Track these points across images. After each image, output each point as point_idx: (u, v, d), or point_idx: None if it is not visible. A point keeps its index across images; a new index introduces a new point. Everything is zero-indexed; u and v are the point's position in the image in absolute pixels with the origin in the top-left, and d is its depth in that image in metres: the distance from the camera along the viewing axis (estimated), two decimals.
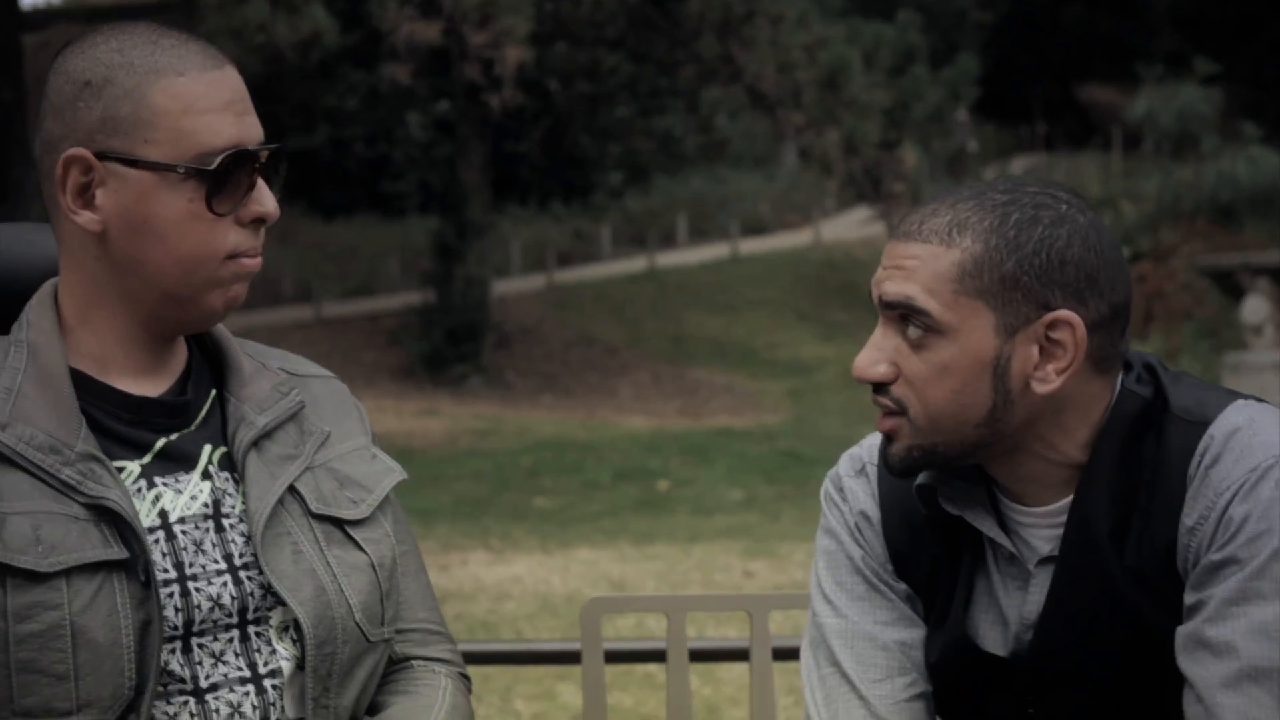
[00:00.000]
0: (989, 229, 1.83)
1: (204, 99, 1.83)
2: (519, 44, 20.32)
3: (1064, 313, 1.82)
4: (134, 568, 1.80)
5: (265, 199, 1.88)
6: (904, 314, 1.86)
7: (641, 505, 14.59)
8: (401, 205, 33.13)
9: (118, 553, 1.80)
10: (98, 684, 1.78)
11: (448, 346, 24.82)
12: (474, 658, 3.68)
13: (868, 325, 2.04)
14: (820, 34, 22.87)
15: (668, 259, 32.21)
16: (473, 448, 18.89)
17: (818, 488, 2.14)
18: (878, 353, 1.88)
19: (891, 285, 1.86)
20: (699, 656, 3.53)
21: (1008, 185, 1.88)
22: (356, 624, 1.92)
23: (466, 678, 2.13)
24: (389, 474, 2.06)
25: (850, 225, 34.09)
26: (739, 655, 3.38)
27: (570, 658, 3.46)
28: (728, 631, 6.90)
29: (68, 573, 1.77)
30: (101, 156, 1.83)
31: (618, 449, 18.42)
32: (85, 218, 1.85)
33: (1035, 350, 1.84)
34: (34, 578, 1.76)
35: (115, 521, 1.81)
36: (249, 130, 1.86)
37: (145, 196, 1.83)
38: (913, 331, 1.86)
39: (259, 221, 1.89)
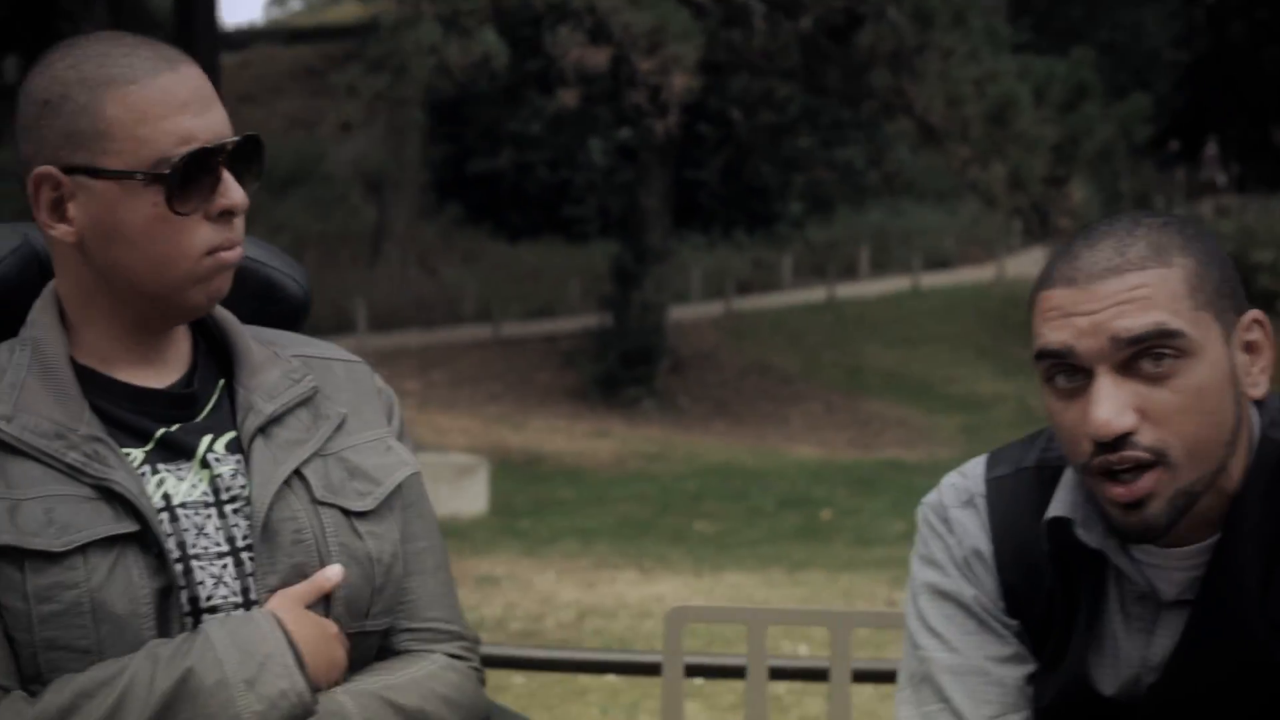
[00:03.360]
0: (1185, 244, 1.80)
1: (157, 104, 1.87)
2: (687, 72, 20.40)
3: (1256, 312, 1.82)
4: (146, 540, 1.87)
5: (231, 191, 1.91)
6: (1143, 349, 1.76)
7: (802, 533, 14.57)
8: (583, 229, 33.38)
9: (129, 526, 1.86)
10: (121, 655, 1.84)
11: (622, 369, 24.97)
12: (558, 665, 3.77)
13: None
14: (991, 68, 22.66)
15: (847, 290, 32.09)
16: (640, 470, 18.98)
17: None
18: (1118, 400, 1.76)
19: (1131, 320, 1.76)
20: (780, 675, 3.55)
21: (1144, 214, 1.85)
22: (335, 613, 1.95)
23: (478, 670, 2.12)
24: (401, 467, 2.07)
25: (1034, 262, 33.62)
26: (820, 675, 3.38)
27: (651, 669, 3.52)
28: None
29: (84, 549, 1.83)
30: (68, 171, 1.88)
31: (784, 477, 18.39)
32: (61, 230, 1.91)
33: (1244, 355, 1.82)
34: (51, 558, 1.82)
35: (122, 501, 1.87)
36: (210, 126, 1.90)
37: (112, 205, 1.88)
38: (1153, 365, 1.77)
39: (228, 214, 1.93)
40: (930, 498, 2.02)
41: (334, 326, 22.92)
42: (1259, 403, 1.86)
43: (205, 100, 1.91)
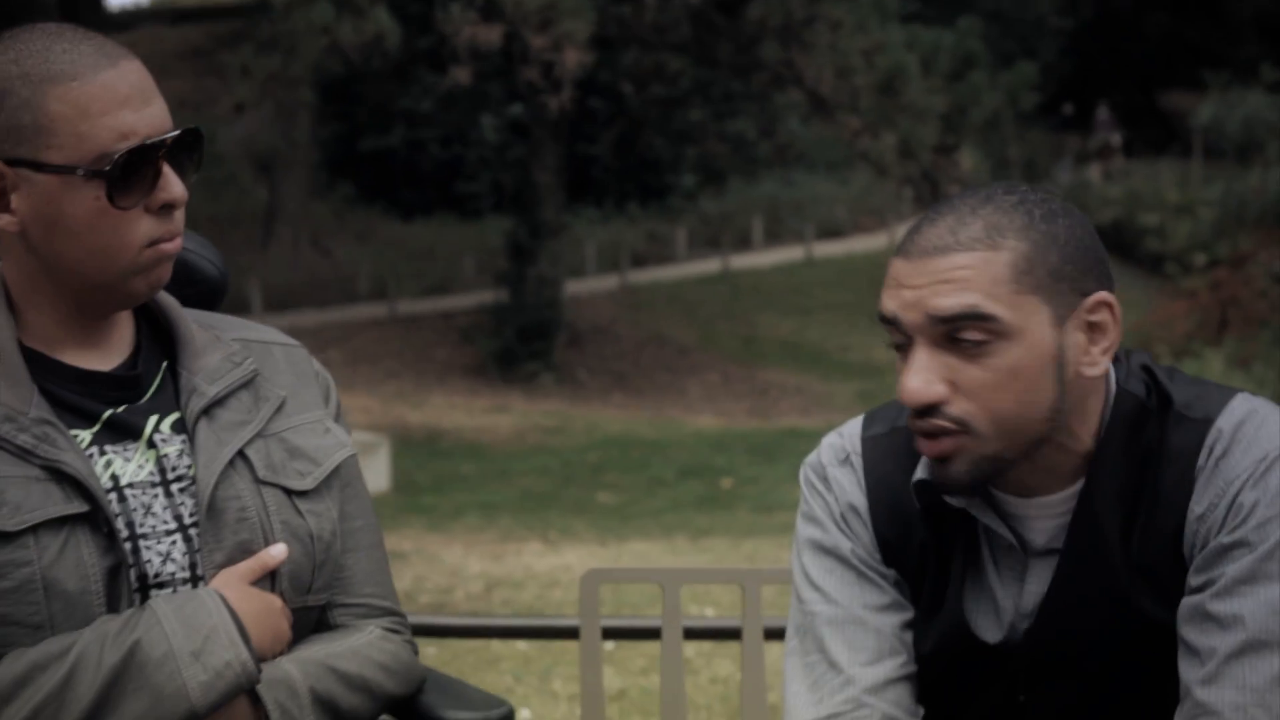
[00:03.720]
0: (1024, 226, 1.87)
1: (98, 100, 1.92)
2: (579, 47, 20.45)
3: (1103, 294, 1.90)
4: (96, 520, 1.94)
5: (171, 185, 1.98)
6: (957, 327, 1.87)
7: (703, 502, 14.67)
8: (477, 206, 33.32)
9: (80, 506, 1.93)
10: (71, 630, 1.92)
11: (519, 345, 24.99)
12: (478, 632, 3.85)
13: None
14: (879, 39, 22.85)
15: (742, 261, 32.24)
16: (541, 444, 19.04)
17: None
18: (929, 372, 1.88)
19: (946, 299, 1.86)
20: (694, 635, 3.66)
21: (1006, 189, 1.93)
22: (280, 588, 2.05)
23: (410, 642, 2.23)
24: (339, 449, 2.17)
25: None
26: (733, 634, 3.46)
27: (570, 633, 3.61)
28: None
29: (35, 529, 1.90)
30: (11, 163, 1.94)
31: (684, 447, 18.50)
32: (4, 220, 1.97)
33: (1082, 336, 1.90)
34: (3, 538, 1.89)
35: (72, 482, 1.94)
36: (150, 121, 1.96)
37: (54, 198, 1.94)
38: (968, 344, 1.87)
39: (169, 207, 1.99)
40: (810, 458, 2.14)
41: (228, 308, 22.51)
42: (1115, 356, 1.98)
43: (145, 95, 1.96)
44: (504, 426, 20.27)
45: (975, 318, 1.86)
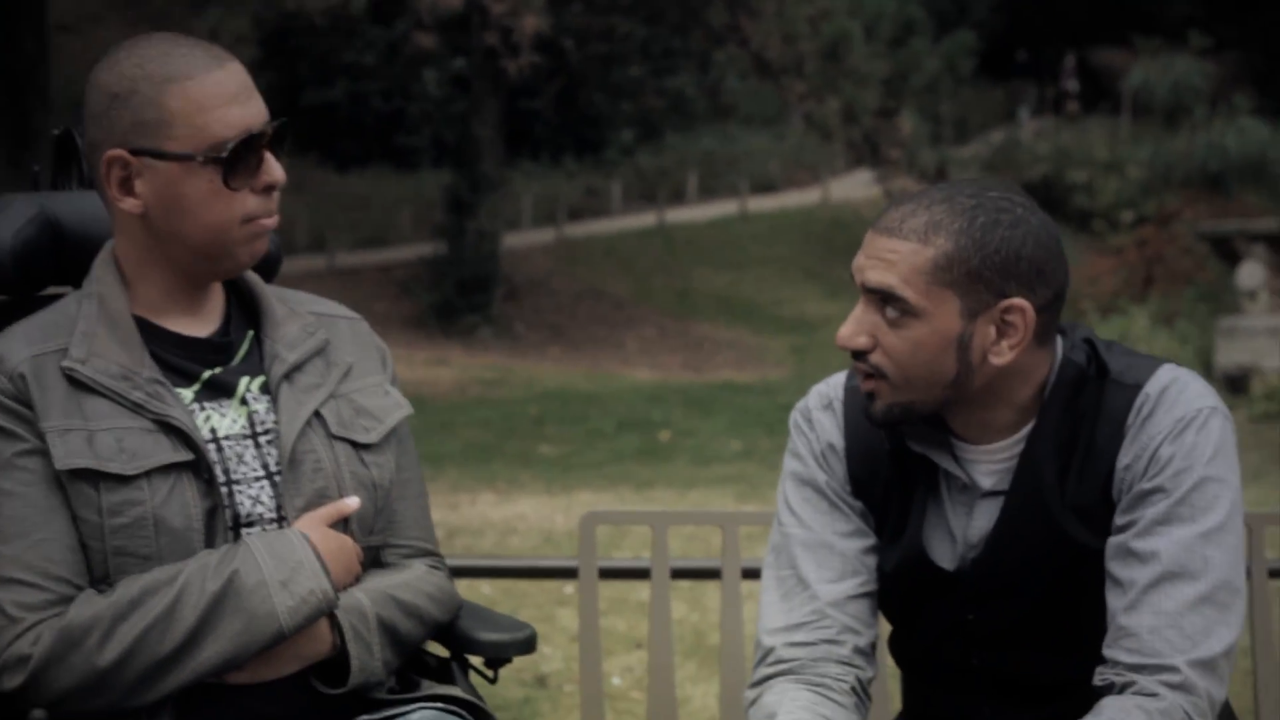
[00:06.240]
0: (959, 230, 2.19)
1: (212, 97, 2.24)
2: (536, 13, 20.74)
3: (1017, 300, 2.21)
4: (198, 468, 2.26)
5: (273, 169, 2.30)
6: (884, 298, 2.22)
7: (643, 454, 14.94)
8: (416, 159, 33.29)
9: (185, 455, 2.25)
10: (175, 562, 2.23)
11: (458, 298, 25.09)
12: (481, 572, 4.14)
13: None
14: (824, 6, 23.24)
15: (677, 215, 32.32)
16: (481, 396, 19.20)
17: None
18: (859, 325, 2.24)
19: (874, 274, 2.22)
20: (682, 575, 3.97)
21: (974, 190, 2.25)
22: (350, 530, 2.37)
23: (450, 578, 2.58)
24: (398, 409, 2.49)
25: (858, 185, 34.17)
26: (715, 574, 3.77)
27: (568, 573, 3.90)
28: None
29: (148, 474, 2.22)
30: (136, 153, 2.24)
31: (622, 400, 18.72)
32: (129, 204, 2.28)
33: (993, 330, 2.22)
34: (122, 480, 2.21)
35: (178, 433, 2.25)
36: (254, 113, 2.27)
37: (174, 182, 2.25)
38: (890, 313, 2.22)
39: (270, 188, 2.31)
40: (800, 403, 2.48)
41: None
42: (1061, 330, 2.34)
43: (249, 92, 2.29)
44: (444, 379, 20.44)
45: (890, 296, 2.21)
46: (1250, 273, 20.17)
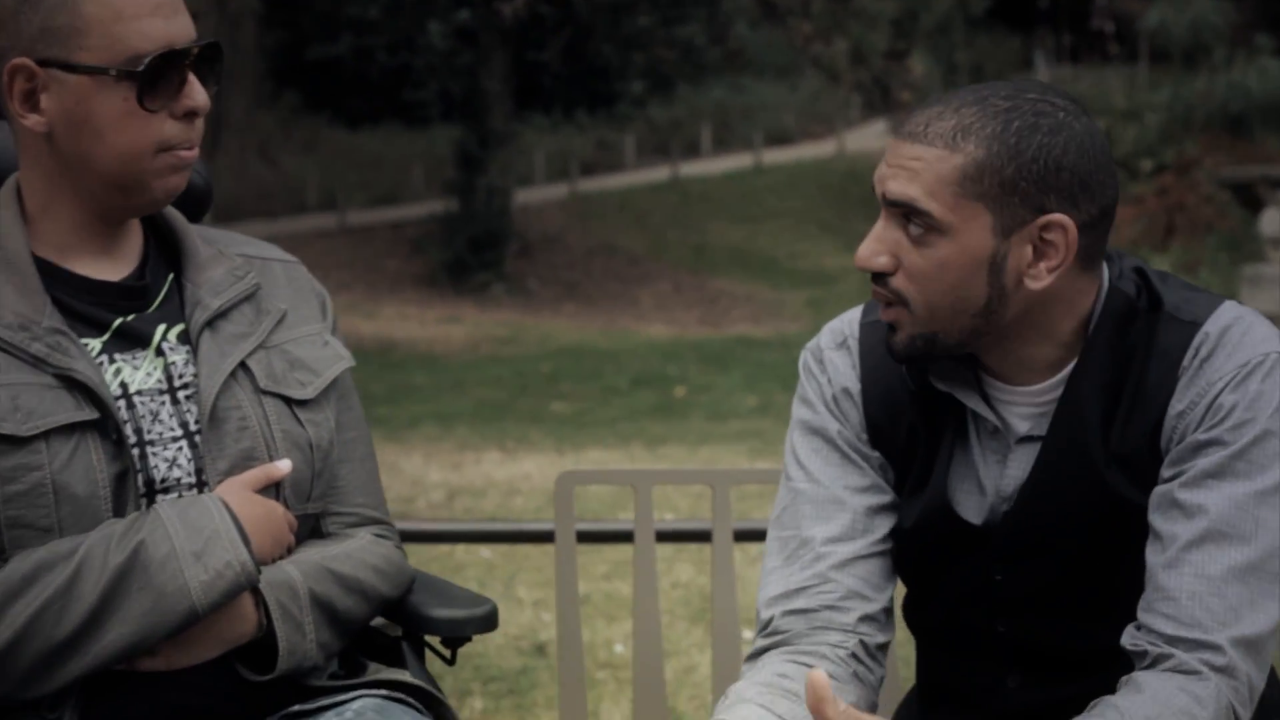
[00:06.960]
0: (991, 135, 1.92)
1: (131, 5, 1.98)
2: None
3: (1058, 216, 1.93)
4: (105, 427, 2.00)
5: (195, 93, 2.04)
6: (906, 212, 1.94)
7: (657, 411, 14.75)
8: (425, 114, 33.12)
9: (89, 414, 1.98)
10: (79, 534, 1.97)
11: (470, 255, 24.98)
12: (451, 537, 3.90)
13: None
14: None
15: (691, 169, 32.22)
16: (494, 354, 19.09)
17: None
18: (879, 244, 1.97)
19: (895, 185, 1.95)
20: (665, 537, 3.70)
21: (1010, 91, 1.96)
22: (283, 496, 2.11)
23: (400, 547, 2.30)
24: (338, 360, 2.23)
25: (874, 136, 34.00)
26: (704, 536, 3.53)
27: (543, 537, 3.65)
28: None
29: (46, 435, 1.96)
30: (43, 64, 1.99)
31: (637, 356, 18.59)
32: (33, 120, 2.02)
33: (1029, 250, 1.94)
34: (16, 442, 1.95)
35: (83, 389, 1.99)
36: (178, 30, 2.02)
37: (84, 98, 2.00)
38: (914, 229, 1.94)
39: (191, 114, 2.05)
40: (810, 342, 2.20)
41: None
42: (1108, 257, 2.04)
43: (174, 5, 2.03)
44: (456, 337, 20.29)
45: (911, 209, 1.94)
46: (1273, 219, 19.84)
